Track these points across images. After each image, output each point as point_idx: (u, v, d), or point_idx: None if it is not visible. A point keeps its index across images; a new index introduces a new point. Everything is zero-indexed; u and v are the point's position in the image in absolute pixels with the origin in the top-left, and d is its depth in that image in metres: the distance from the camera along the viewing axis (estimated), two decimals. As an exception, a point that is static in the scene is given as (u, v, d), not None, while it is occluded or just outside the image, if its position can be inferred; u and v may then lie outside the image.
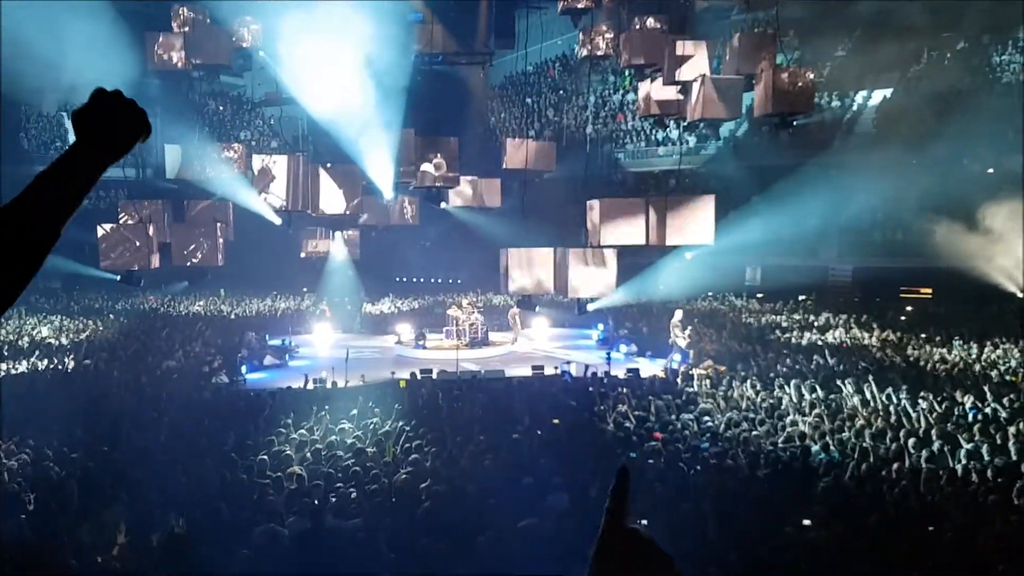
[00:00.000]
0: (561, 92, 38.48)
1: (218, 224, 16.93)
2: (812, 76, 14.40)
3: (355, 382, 16.16)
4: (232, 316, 26.38)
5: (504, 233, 21.86)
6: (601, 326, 23.41)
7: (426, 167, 19.89)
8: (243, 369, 18.26)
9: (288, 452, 9.90)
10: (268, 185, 17.06)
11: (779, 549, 6.70)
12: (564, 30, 31.23)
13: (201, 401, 13.90)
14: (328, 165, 18.46)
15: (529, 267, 15.75)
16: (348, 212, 18.93)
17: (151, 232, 16.03)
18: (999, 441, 9.93)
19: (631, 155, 33.26)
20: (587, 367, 16.61)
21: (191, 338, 20.61)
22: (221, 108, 35.96)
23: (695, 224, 14.96)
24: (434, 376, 16.59)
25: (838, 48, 29.65)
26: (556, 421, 11.65)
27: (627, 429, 11.17)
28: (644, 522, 6.81)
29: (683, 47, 16.09)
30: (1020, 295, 22.73)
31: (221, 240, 16.92)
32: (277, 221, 18.50)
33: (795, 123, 14.61)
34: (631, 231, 15.24)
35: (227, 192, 18.19)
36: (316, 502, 7.94)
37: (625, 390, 13.59)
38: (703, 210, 15.04)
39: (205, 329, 22.24)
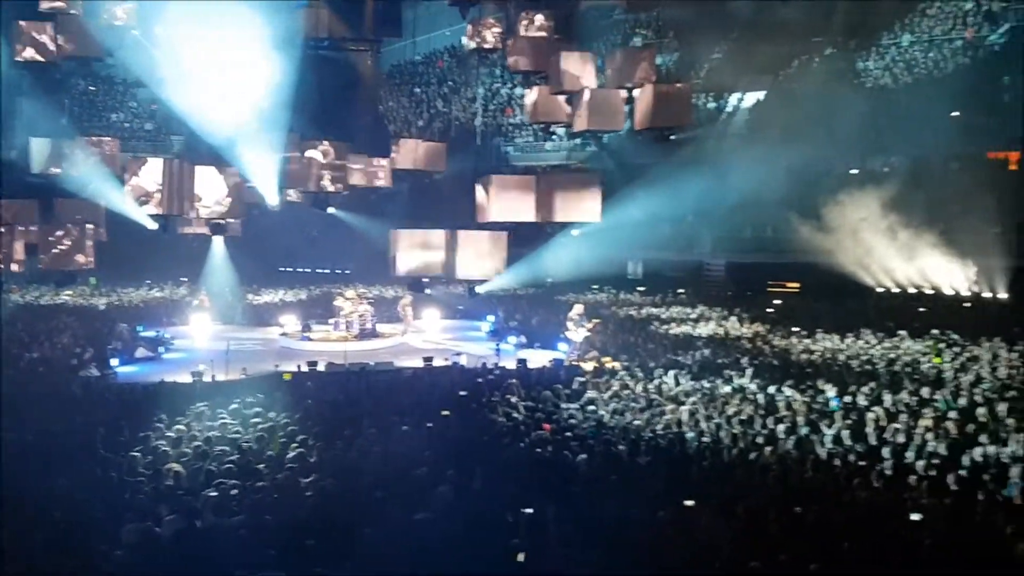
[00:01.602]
0: (450, 83, 38.38)
1: (88, 225, 16.01)
2: (690, 90, 14.98)
3: (236, 375, 15.71)
4: (102, 306, 25.05)
5: (392, 225, 21.66)
6: (491, 317, 23.57)
7: (312, 153, 19.48)
8: (113, 362, 17.42)
9: (164, 448, 9.54)
10: (141, 188, 16.19)
11: (654, 534, 6.97)
12: (453, 21, 31.20)
13: (70, 395, 13.20)
14: (204, 166, 17.62)
15: (418, 248, 15.69)
16: (226, 218, 18.21)
17: (17, 233, 15.05)
18: (858, 428, 10.66)
19: (520, 149, 33.58)
20: (478, 359, 16.69)
21: (58, 329, 19.46)
22: (92, 88, 33.93)
23: (583, 202, 15.32)
24: (321, 368, 16.32)
25: (715, 50, 30.77)
26: (446, 413, 11.69)
27: (516, 419, 11.35)
28: (530, 511, 6.96)
29: (569, 58, 16.37)
30: (879, 289, 24.41)
31: (91, 240, 16.02)
32: (153, 226, 17.59)
33: (672, 136, 15.20)
34: (521, 207, 15.45)
35: (98, 191, 17.18)
36: (194, 499, 7.70)
37: (514, 381, 13.77)
38: (590, 189, 15.44)
39: (73, 320, 21.05)
